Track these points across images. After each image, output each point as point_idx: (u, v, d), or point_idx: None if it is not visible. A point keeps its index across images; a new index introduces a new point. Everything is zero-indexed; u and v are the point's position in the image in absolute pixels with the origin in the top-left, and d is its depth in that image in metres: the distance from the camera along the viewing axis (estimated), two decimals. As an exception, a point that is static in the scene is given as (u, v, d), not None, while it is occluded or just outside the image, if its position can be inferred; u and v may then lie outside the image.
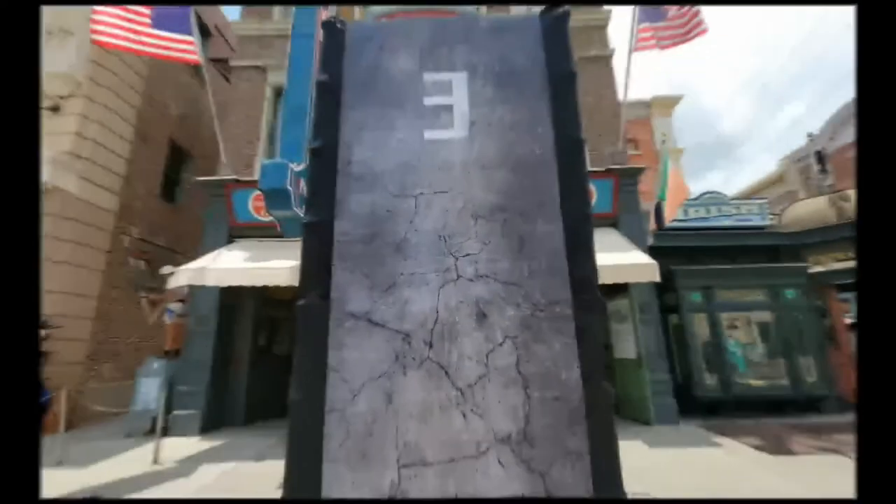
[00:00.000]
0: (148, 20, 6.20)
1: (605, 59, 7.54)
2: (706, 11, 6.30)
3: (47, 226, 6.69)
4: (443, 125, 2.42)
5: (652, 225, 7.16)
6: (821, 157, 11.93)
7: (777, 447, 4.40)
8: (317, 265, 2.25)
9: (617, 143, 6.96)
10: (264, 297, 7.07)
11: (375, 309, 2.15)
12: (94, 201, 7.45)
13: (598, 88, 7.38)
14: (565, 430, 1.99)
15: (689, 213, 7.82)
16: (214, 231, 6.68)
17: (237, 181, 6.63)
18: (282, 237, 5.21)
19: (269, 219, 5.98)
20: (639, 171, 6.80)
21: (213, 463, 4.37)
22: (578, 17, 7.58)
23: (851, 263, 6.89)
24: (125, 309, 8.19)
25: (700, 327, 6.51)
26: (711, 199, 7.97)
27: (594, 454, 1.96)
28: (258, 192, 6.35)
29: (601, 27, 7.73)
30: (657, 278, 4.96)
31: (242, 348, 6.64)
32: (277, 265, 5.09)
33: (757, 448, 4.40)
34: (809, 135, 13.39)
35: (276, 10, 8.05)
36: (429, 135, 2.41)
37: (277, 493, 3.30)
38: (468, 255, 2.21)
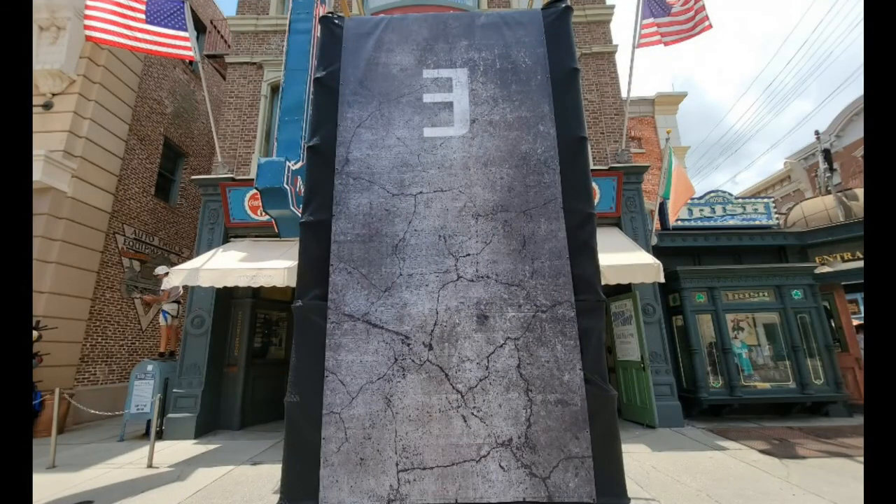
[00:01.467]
0: (142, 15, 6.11)
1: (608, 56, 7.48)
2: (711, 7, 6.27)
3: (39, 226, 6.60)
4: (443, 122, 2.38)
5: (656, 224, 7.13)
6: (828, 155, 11.95)
7: (784, 451, 4.36)
8: (314, 266, 2.20)
9: (620, 141, 6.93)
10: (261, 298, 7.01)
11: (374, 310, 2.11)
12: (88, 200, 7.36)
13: (600, 85, 7.34)
14: (567, 434, 1.95)
15: (693, 212, 7.79)
16: (210, 231, 6.61)
17: (233, 180, 6.55)
18: (278, 237, 5.14)
19: (265, 218, 5.94)
20: (642, 169, 6.76)
21: (209, 467, 4.31)
22: (580, 12, 7.54)
23: (859, 263, 6.88)
24: (119, 310, 8.09)
25: (705, 328, 6.47)
26: (716, 197, 7.94)
27: (597, 458, 1.93)
28: (254, 191, 6.30)
29: (604, 22, 7.67)
30: (661, 279, 4.92)
31: (238, 350, 6.57)
32: (274, 265, 5.02)
33: (763, 452, 4.36)
34: (816, 132, 13.42)
35: (272, 5, 7.97)
36: (428, 132, 2.37)
37: (274, 499, 3.26)
38: (468, 255, 2.17)
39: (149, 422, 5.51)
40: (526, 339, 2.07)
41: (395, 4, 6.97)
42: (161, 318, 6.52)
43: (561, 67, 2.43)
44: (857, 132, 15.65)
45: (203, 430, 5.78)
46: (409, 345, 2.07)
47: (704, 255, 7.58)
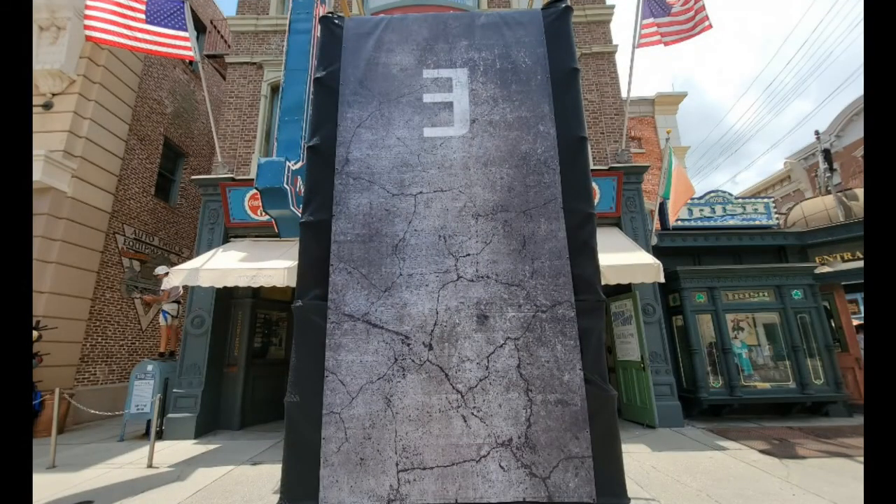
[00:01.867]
0: (142, 15, 6.12)
1: (608, 56, 7.49)
2: (711, 7, 6.27)
3: (39, 226, 6.60)
4: (443, 122, 2.38)
5: (656, 224, 7.13)
6: (828, 155, 11.95)
7: (784, 451, 4.36)
8: (314, 266, 2.20)
9: (620, 141, 6.93)
10: (261, 298, 7.01)
11: (374, 310, 2.11)
12: (88, 201, 7.36)
13: (600, 85, 7.34)
14: (567, 434, 1.95)
15: (693, 212, 7.80)
16: (210, 231, 6.61)
17: (233, 180, 6.56)
18: (278, 237, 5.14)
19: (265, 218, 5.94)
20: (642, 169, 6.77)
21: (209, 467, 4.31)
22: (580, 12, 7.54)
23: (859, 263, 6.89)
24: (119, 310, 8.09)
25: (705, 328, 6.48)
26: (716, 197, 7.95)
27: (597, 458, 1.93)
28: (254, 191, 6.30)
29: (604, 22, 7.68)
30: (661, 279, 4.91)
31: (238, 350, 6.57)
32: (274, 265, 5.02)
33: (763, 452, 4.37)
34: (816, 132, 13.43)
35: (272, 5, 7.97)
36: (428, 132, 2.37)
37: (274, 499, 3.26)
38: (468, 255, 2.17)
39: (149, 422, 5.51)
40: (526, 339, 2.07)
41: (395, 4, 6.97)
42: (161, 318, 6.52)
43: (561, 67, 2.43)
44: (857, 132, 15.65)
45: (203, 430, 5.78)
46: (409, 345, 2.07)
47: (704, 255, 7.58)
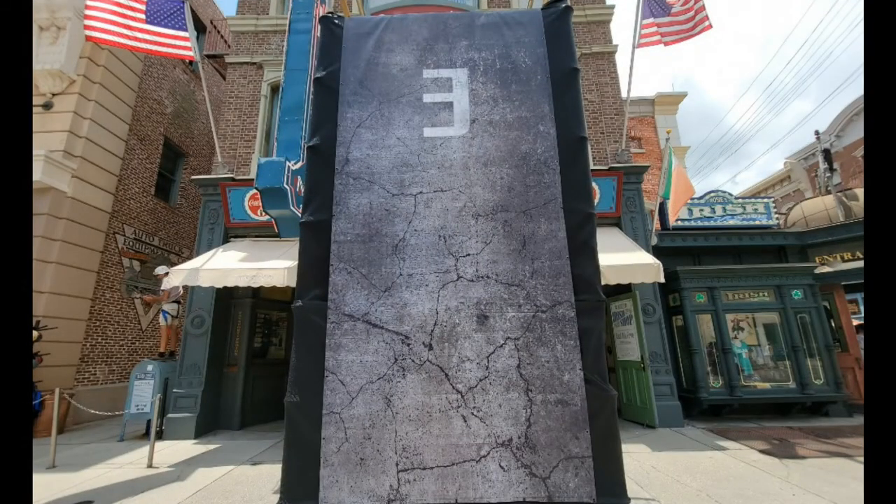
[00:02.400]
0: (142, 15, 6.12)
1: (608, 56, 7.49)
2: (711, 7, 6.26)
3: (39, 226, 6.60)
4: (443, 122, 2.38)
5: (656, 224, 7.13)
6: (828, 155, 11.95)
7: (784, 451, 4.36)
8: (314, 266, 2.20)
9: (620, 141, 6.93)
10: (261, 298, 7.01)
11: (374, 310, 2.11)
12: (88, 200, 7.36)
13: (600, 85, 7.34)
14: (567, 434, 1.95)
15: (693, 212, 7.81)
16: (210, 231, 6.61)
17: (233, 180, 6.56)
18: (278, 237, 5.15)
19: (265, 218, 5.95)
20: (642, 169, 6.77)
21: (209, 467, 4.31)
22: (580, 12, 7.55)
23: (859, 263, 6.89)
24: (119, 310, 8.09)
25: (705, 328, 6.48)
26: (716, 197, 7.95)
27: (597, 458, 1.93)
28: (254, 191, 6.30)
29: (604, 22, 7.69)
30: (661, 279, 4.92)
31: (238, 350, 6.57)
32: (274, 265, 5.02)
33: (763, 452, 4.37)
34: (816, 132, 13.42)
35: (272, 5, 7.98)
36: (428, 132, 2.37)
37: (274, 499, 3.26)
38: (468, 255, 2.17)
39: (149, 422, 5.51)
40: (526, 339, 2.07)
41: (395, 4, 6.97)
42: (161, 318, 6.52)
43: (561, 67, 2.43)
44: (857, 132, 15.65)
45: (203, 430, 5.78)
46: (409, 345, 2.07)
47: (704, 255, 7.58)
